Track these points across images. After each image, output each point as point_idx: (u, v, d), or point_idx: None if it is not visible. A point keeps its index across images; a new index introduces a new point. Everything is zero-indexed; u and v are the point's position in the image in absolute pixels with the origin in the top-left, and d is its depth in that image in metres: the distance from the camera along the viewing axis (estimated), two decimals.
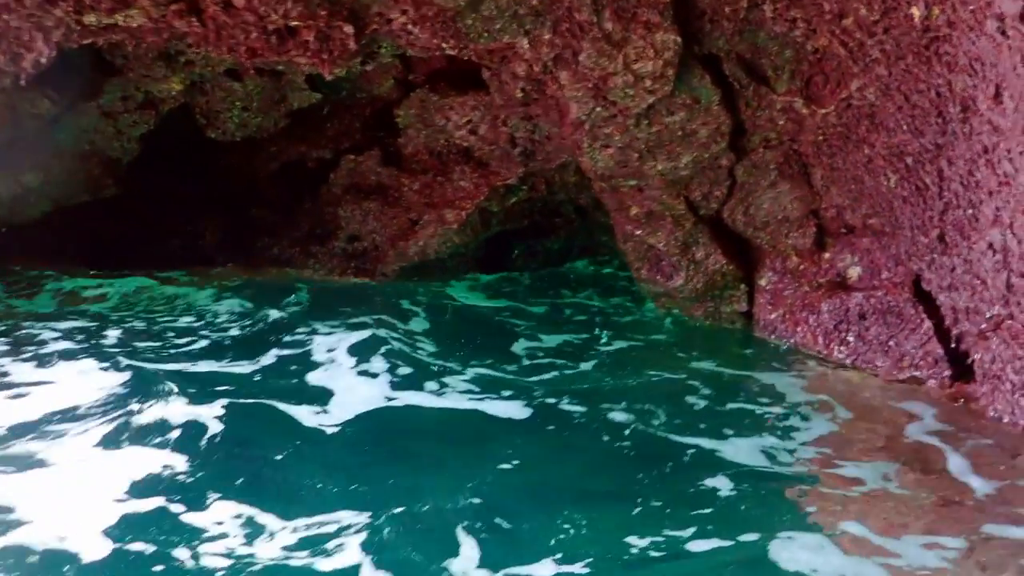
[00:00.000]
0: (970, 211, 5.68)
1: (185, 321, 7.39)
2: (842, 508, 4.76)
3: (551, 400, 6.13)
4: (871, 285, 7.20)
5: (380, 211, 8.59)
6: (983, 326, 5.98)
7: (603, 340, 7.78)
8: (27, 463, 4.84)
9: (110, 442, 5.12)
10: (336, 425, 5.55)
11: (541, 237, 9.75)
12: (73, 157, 7.50)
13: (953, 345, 6.62)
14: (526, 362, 7.12)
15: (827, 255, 7.54)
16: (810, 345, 7.41)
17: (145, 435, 5.18)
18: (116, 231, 8.65)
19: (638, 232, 7.71)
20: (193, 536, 4.32)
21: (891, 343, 6.95)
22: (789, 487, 5.03)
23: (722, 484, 4.98)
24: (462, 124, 8.05)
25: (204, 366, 6.37)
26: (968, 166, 5.51)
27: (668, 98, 6.73)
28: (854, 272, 7.37)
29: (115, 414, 5.41)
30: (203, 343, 6.88)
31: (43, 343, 6.64)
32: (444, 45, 6.55)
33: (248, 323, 7.37)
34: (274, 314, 7.48)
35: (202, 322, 7.34)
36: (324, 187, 8.78)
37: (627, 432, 5.66)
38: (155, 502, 4.57)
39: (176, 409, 5.42)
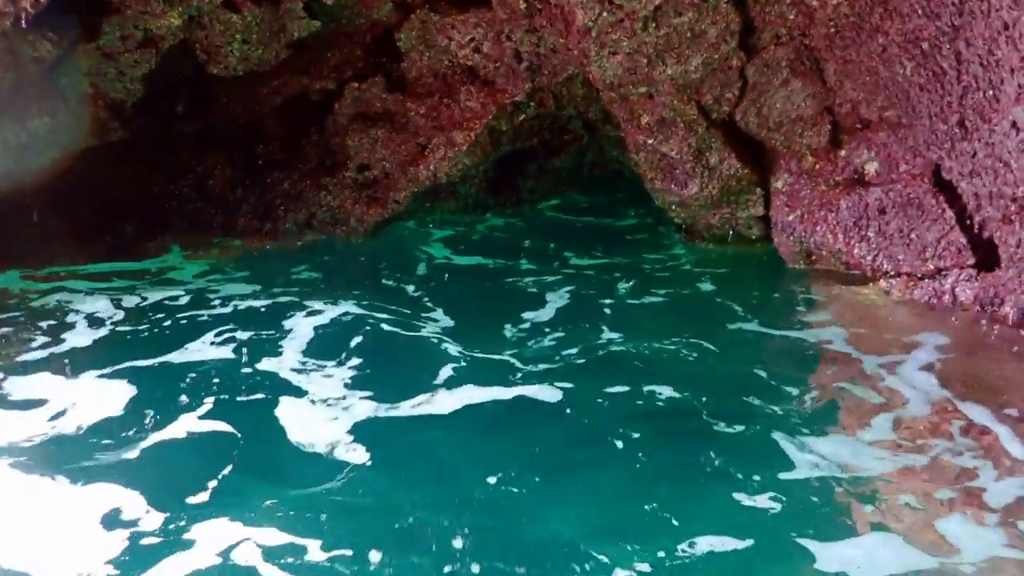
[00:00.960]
0: (990, 92, 5.59)
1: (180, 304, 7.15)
2: None
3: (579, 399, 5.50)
4: (889, 179, 7.14)
5: (388, 138, 8.50)
6: (1008, 209, 5.94)
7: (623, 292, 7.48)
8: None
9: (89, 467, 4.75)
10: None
11: (551, 156, 9.66)
12: (77, 101, 7.42)
13: (976, 232, 6.60)
14: (543, 337, 6.48)
15: (843, 152, 7.47)
16: (830, 244, 7.38)
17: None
18: (122, 178, 8.61)
19: (650, 141, 7.63)
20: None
21: (912, 235, 6.92)
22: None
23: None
24: (465, 43, 7.94)
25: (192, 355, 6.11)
26: (987, 45, 5.41)
27: None
28: (871, 167, 7.30)
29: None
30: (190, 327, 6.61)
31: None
32: None
33: (237, 305, 7.07)
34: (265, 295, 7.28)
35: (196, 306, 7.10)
36: (330, 118, 8.69)
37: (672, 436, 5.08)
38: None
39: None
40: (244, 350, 6.17)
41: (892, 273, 7.10)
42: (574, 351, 6.17)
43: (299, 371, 5.84)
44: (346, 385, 5.64)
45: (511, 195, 9.93)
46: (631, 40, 6.79)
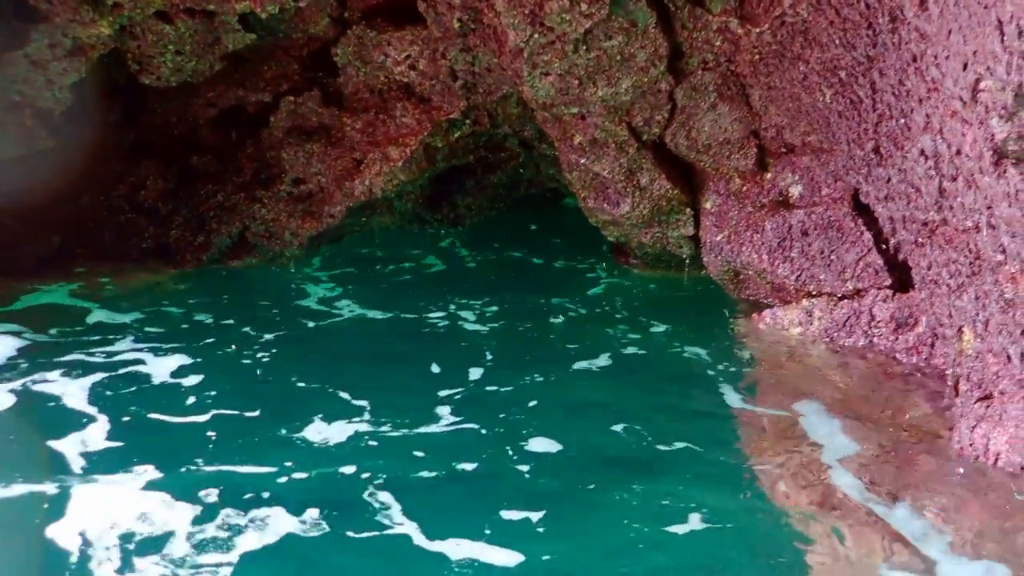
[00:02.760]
0: (902, 120, 5.80)
1: None
2: None
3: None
4: (812, 202, 7.35)
5: (323, 152, 8.51)
6: (919, 233, 6.15)
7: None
8: None
9: None
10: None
11: (487, 173, 9.75)
12: (4, 109, 7.31)
13: (892, 254, 6.83)
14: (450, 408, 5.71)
15: (769, 175, 7.67)
16: (756, 264, 7.56)
17: None
18: (51, 187, 8.45)
19: (583, 160, 7.76)
20: None
21: (833, 257, 7.13)
22: None
23: None
24: (401, 60, 7.98)
25: None
26: (898, 75, 5.62)
27: (605, 22, 6.73)
28: (795, 190, 7.51)
29: None
30: None
31: None
32: None
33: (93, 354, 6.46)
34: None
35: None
36: (265, 131, 8.67)
37: None
38: None
39: None
40: (45, 422, 5.43)
41: (814, 293, 7.31)
42: (465, 458, 5.15)
43: (91, 461, 5.01)
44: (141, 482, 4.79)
45: (448, 211, 10.00)
46: (562, 61, 6.90)
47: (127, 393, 5.88)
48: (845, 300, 7.08)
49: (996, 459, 4.95)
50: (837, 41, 6.14)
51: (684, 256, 8.45)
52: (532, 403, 5.97)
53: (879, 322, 6.84)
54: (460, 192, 9.95)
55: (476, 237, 9.89)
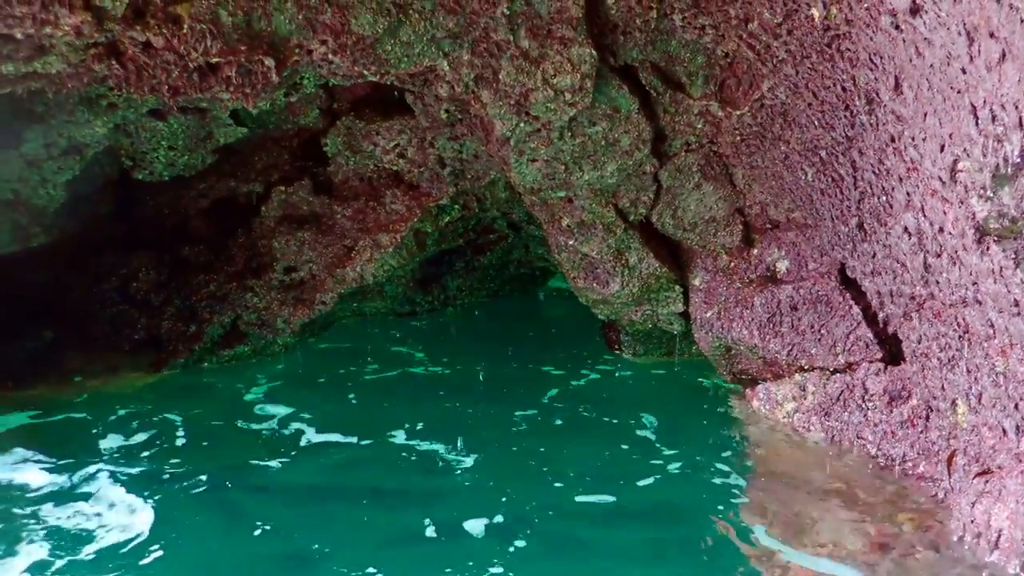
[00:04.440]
0: (884, 198, 5.92)
1: None
2: None
3: None
4: (799, 277, 7.44)
5: (315, 240, 8.60)
6: (907, 307, 6.22)
7: None
8: None
9: None
10: None
11: (477, 254, 9.85)
12: None
13: (882, 328, 6.89)
14: None
15: (755, 251, 7.78)
16: (747, 340, 7.60)
17: None
18: (41, 281, 8.49)
19: (571, 242, 7.86)
20: None
21: (823, 331, 7.19)
22: None
23: None
24: (390, 148, 8.12)
25: None
26: (878, 155, 5.75)
27: (589, 110, 6.89)
28: (782, 265, 7.61)
29: None
30: None
31: None
32: (365, 72, 6.61)
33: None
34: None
35: None
36: (256, 220, 8.76)
37: None
38: None
39: None
40: None
41: (807, 367, 7.34)
42: None
43: None
44: None
45: (439, 293, 10.07)
46: (548, 148, 7.04)
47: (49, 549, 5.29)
48: (837, 374, 7.11)
49: (998, 536, 4.93)
50: (816, 122, 6.29)
51: (675, 332, 8.51)
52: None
53: (872, 395, 6.86)
54: (450, 274, 10.04)
55: (465, 319, 9.89)
